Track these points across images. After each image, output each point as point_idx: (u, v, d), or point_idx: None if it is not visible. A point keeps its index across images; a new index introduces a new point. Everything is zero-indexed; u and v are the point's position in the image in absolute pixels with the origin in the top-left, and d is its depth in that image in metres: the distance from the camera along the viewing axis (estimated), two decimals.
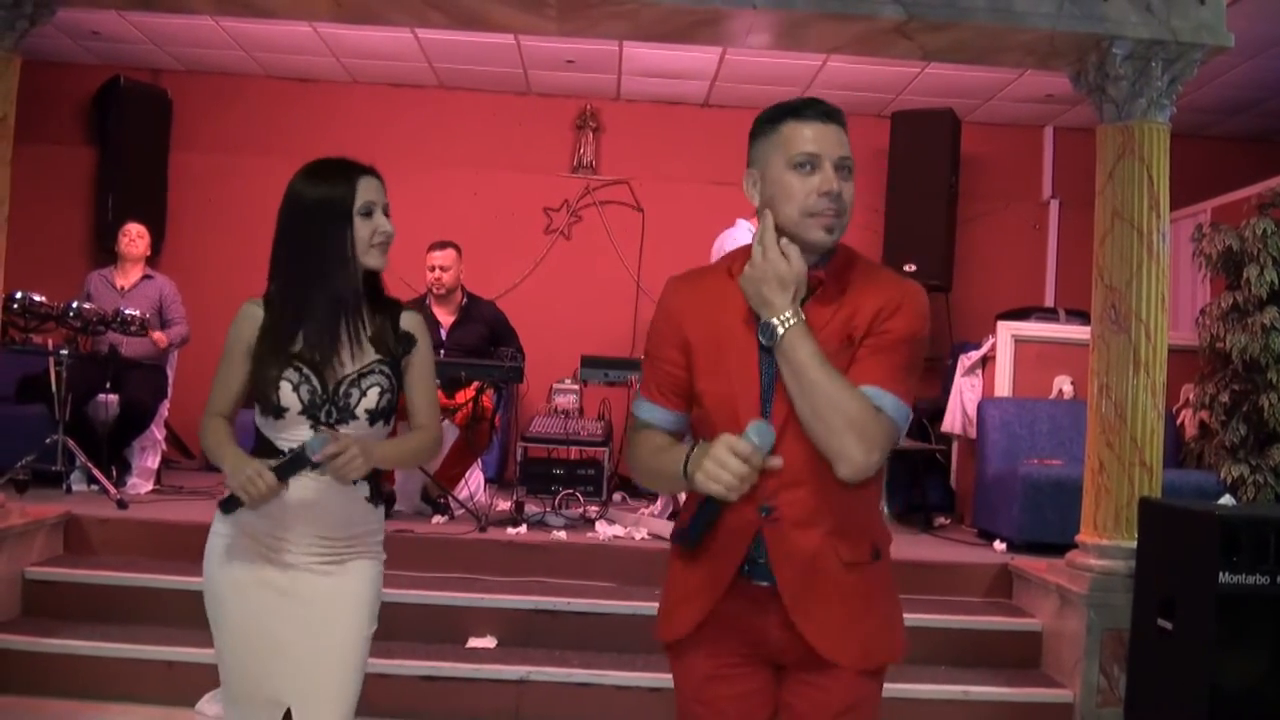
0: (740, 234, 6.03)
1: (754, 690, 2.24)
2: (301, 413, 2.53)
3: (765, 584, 2.16)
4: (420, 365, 2.69)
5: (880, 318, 2.14)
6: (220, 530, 2.60)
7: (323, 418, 2.53)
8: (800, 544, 2.13)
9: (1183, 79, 5.03)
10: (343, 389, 2.55)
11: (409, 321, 2.68)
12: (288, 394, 2.52)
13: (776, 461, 2.03)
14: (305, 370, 2.53)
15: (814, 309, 2.14)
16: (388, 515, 2.78)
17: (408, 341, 2.66)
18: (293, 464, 2.44)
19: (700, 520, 2.12)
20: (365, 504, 2.64)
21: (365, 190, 2.56)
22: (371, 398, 2.57)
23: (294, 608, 2.54)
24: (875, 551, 2.22)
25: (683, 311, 2.24)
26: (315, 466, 2.45)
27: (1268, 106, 8.75)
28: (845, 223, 2.16)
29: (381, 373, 2.60)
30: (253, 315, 2.60)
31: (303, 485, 2.51)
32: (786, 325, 2.06)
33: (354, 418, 2.56)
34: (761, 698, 2.25)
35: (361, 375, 2.57)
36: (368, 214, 2.55)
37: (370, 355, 2.59)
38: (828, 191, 2.10)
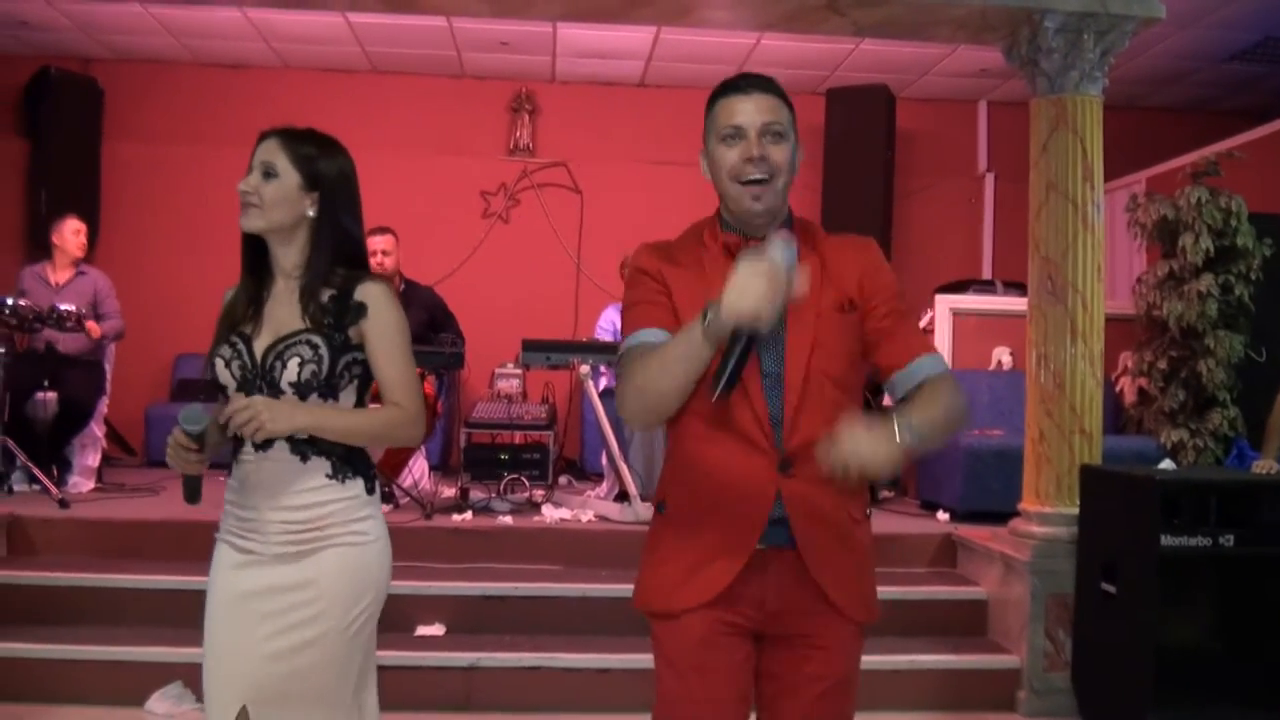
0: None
1: (744, 660, 2.25)
2: (238, 389, 2.41)
3: (766, 547, 2.18)
4: (380, 337, 2.45)
5: (868, 275, 2.26)
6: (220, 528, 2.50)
7: (255, 394, 2.40)
8: (818, 501, 2.20)
9: (1115, 51, 5.07)
10: (269, 361, 2.41)
11: (366, 291, 2.45)
12: (221, 370, 2.43)
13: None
14: (240, 345, 2.44)
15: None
16: None
17: (357, 311, 2.43)
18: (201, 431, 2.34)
19: (729, 364, 2.02)
20: (327, 481, 2.42)
21: (253, 158, 2.49)
22: (291, 369, 2.38)
23: (260, 605, 2.38)
24: (868, 510, 2.38)
25: (662, 271, 2.27)
26: (232, 438, 2.41)
27: (1200, 77, 8.86)
28: (780, 185, 2.23)
29: (306, 343, 2.40)
30: (225, 300, 2.55)
31: (248, 458, 2.42)
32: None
33: (281, 391, 2.39)
34: (750, 667, 2.27)
35: (287, 346, 2.41)
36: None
37: (297, 324, 2.43)
38: (749, 158, 2.19)
